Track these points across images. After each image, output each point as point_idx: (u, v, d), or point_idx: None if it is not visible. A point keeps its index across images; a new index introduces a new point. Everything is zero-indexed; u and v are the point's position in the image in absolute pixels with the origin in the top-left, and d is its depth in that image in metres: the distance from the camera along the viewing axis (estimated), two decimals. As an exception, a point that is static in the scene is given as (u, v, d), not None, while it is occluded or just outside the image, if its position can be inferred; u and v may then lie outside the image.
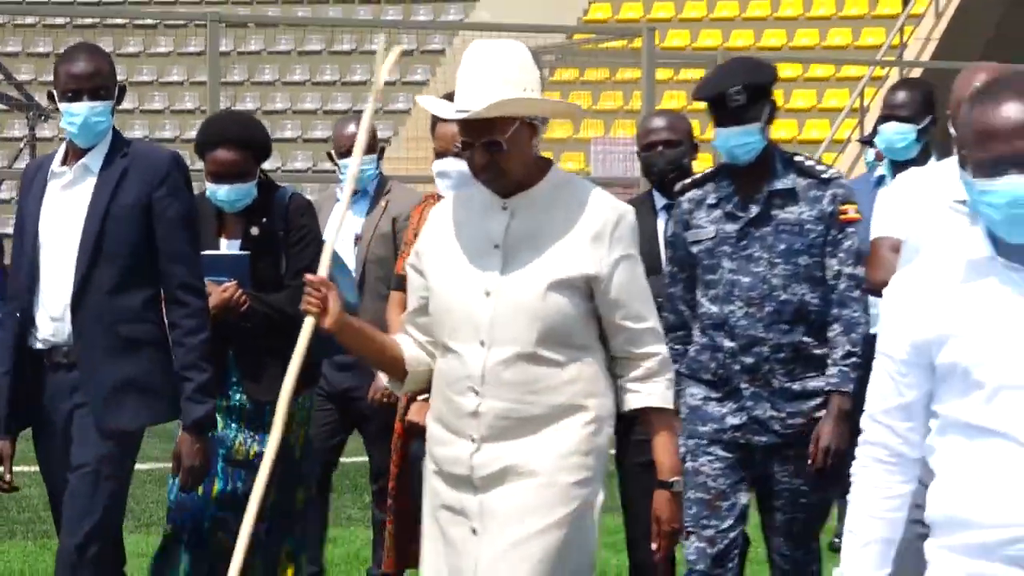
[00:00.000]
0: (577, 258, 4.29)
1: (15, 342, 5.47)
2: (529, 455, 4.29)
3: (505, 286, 4.30)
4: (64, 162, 5.48)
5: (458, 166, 5.57)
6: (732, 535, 5.51)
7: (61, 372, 5.44)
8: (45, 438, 5.54)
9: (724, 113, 5.41)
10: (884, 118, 6.53)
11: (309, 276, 4.34)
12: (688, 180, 5.76)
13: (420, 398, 5.35)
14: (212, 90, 13.90)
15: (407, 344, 4.48)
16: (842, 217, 5.40)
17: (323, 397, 7.09)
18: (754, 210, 5.41)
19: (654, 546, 4.40)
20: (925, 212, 4.50)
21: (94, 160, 5.43)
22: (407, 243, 5.85)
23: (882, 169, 6.72)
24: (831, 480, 5.36)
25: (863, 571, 3.52)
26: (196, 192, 5.88)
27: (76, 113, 5.34)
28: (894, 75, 26.07)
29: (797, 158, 5.56)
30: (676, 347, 5.47)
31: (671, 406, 4.41)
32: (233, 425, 6.06)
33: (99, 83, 5.39)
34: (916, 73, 25.61)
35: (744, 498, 5.54)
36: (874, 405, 3.51)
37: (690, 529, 5.41)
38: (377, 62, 4.54)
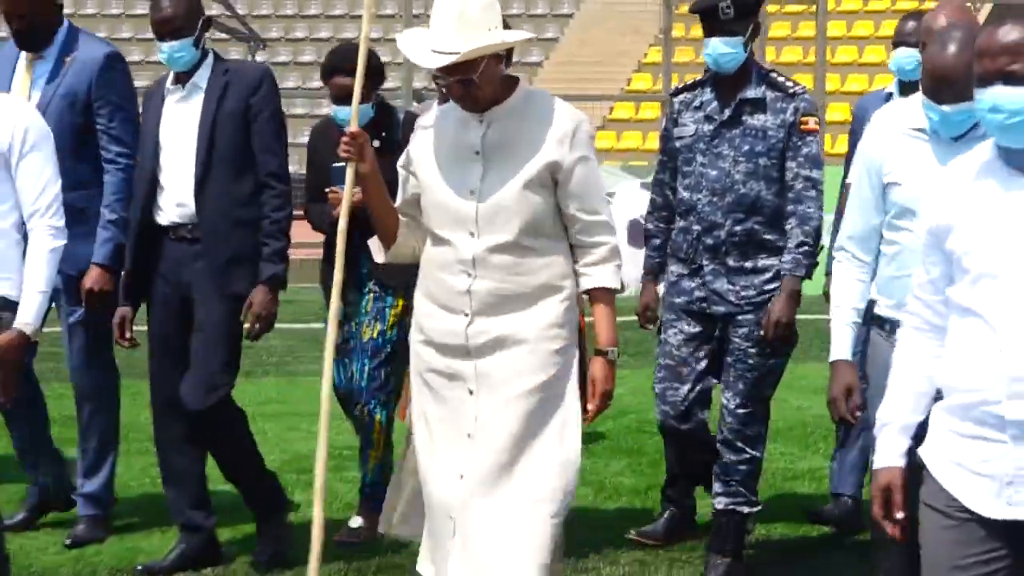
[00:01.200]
0: (544, 160, 4.60)
1: (138, 227, 5.99)
2: (516, 327, 4.63)
3: (487, 186, 4.61)
4: (176, 81, 6.01)
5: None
6: (692, 396, 5.95)
7: (185, 244, 5.95)
8: (160, 302, 6.04)
9: (715, 24, 5.76)
10: (895, 44, 6.67)
11: (347, 129, 4.70)
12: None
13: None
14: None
15: (403, 226, 4.82)
16: (803, 127, 5.79)
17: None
18: (727, 114, 5.84)
19: (589, 406, 4.69)
20: (886, 141, 4.77)
21: (201, 78, 5.97)
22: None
23: (891, 87, 7.10)
24: (778, 347, 5.83)
25: (900, 415, 3.82)
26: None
27: (163, 51, 5.94)
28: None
29: (772, 74, 5.97)
30: (660, 224, 6.19)
31: (617, 287, 4.72)
32: (379, 293, 6.55)
33: (176, 25, 5.88)
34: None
35: (703, 364, 5.95)
36: (914, 282, 3.85)
37: (657, 391, 6.02)
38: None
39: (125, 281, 6.09)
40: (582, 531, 6.24)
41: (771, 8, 25.04)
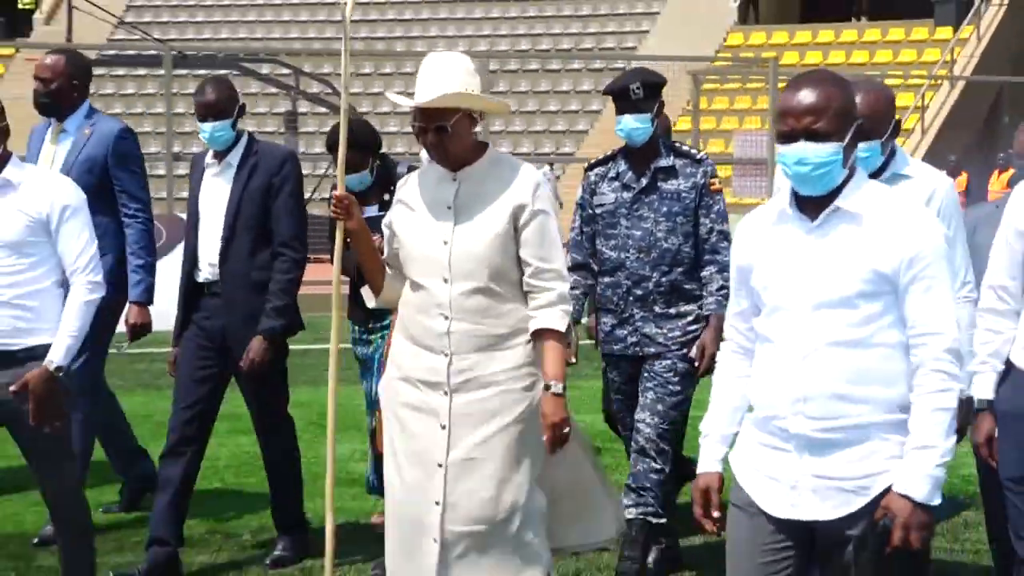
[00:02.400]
0: (508, 212, 4.74)
1: (186, 282, 6.37)
2: (490, 367, 4.75)
3: (458, 237, 4.76)
4: (214, 156, 6.35)
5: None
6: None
7: (212, 299, 6.31)
8: (193, 334, 6.35)
9: (626, 103, 6.01)
10: None
11: (334, 192, 4.99)
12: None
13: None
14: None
15: (389, 275, 4.99)
16: (712, 188, 6.06)
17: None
18: (643, 182, 6.05)
19: (545, 437, 4.76)
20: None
21: (234, 156, 6.30)
22: None
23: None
24: (695, 376, 6.07)
25: (719, 427, 3.99)
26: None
27: (204, 131, 6.27)
28: (946, 84, 28.34)
29: (676, 144, 6.24)
30: (580, 280, 6.27)
31: (562, 329, 4.79)
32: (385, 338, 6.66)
33: (218, 109, 6.23)
34: (961, 83, 27.89)
35: None
36: (727, 313, 4.08)
37: (614, 413, 6.47)
38: (345, 15, 5.13)
39: (176, 329, 6.47)
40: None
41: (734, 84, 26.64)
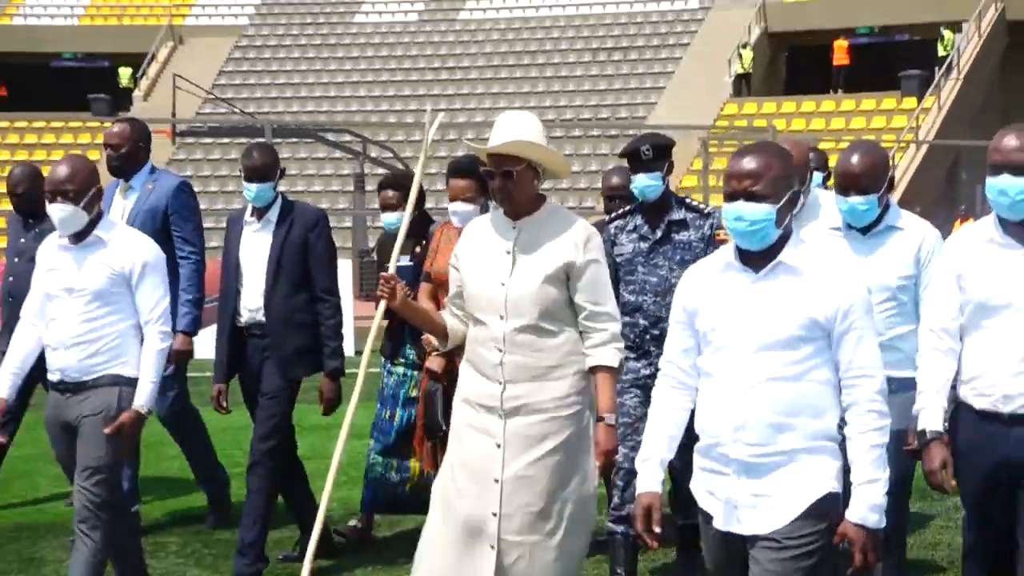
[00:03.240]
0: (561, 260, 4.67)
1: (228, 327, 6.29)
2: (539, 395, 4.67)
3: (514, 279, 4.68)
4: (252, 214, 6.29)
5: (465, 208, 6.20)
6: None
7: (256, 339, 6.23)
8: (245, 380, 6.34)
9: (638, 164, 5.93)
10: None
11: (382, 274, 4.85)
12: (614, 214, 6.27)
13: (434, 355, 5.84)
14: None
15: (449, 318, 4.92)
16: (717, 238, 5.95)
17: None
18: (658, 234, 5.93)
19: (595, 462, 4.71)
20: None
21: (273, 213, 6.24)
22: (432, 251, 6.30)
23: None
24: None
25: (657, 452, 3.94)
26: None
27: (250, 191, 6.20)
28: (912, 146, 28.52)
29: (687, 199, 6.11)
30: None
31: (615, 365, 4.71)
32: (408, 373, 6.72)
33: (263, 173, 6.17)
34: (925, 146, 28.20)
35: None
36: (667, 351, 4.01)
37: (619, 439, 5.71)
38: (426, 129, 5.02)
39: (219, 368, 6.33)
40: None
41: (733, 146, 27.21)
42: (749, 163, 3.71)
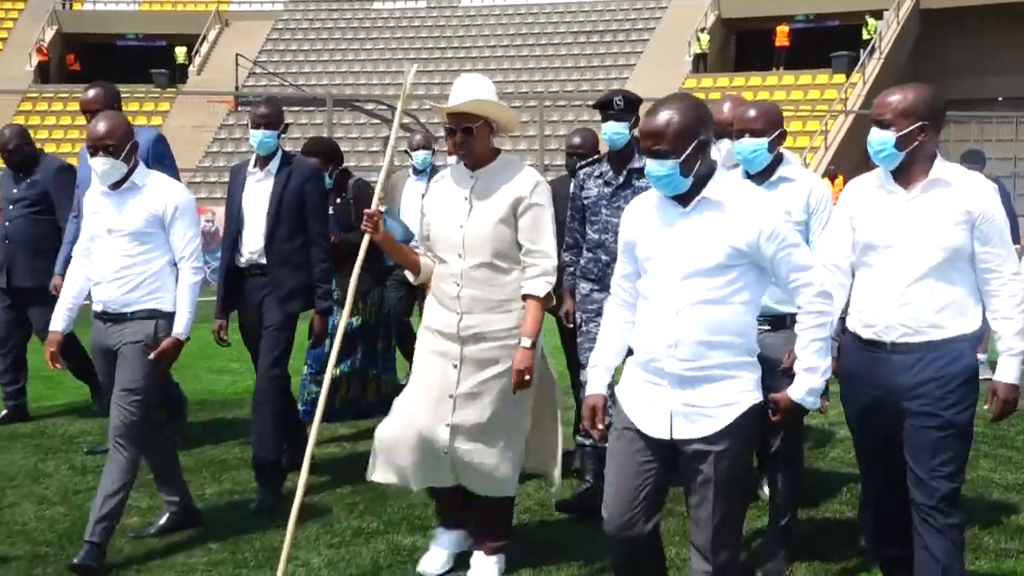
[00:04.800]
0: (510, 203, 4.53)
1: (227, 264, 5.94)
2: (491, 325, 4.56)
3: (471, 222, 4.56)
4: (255, 165, 5.96)
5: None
6: None
7: (256, 278, 5.88)
8: (245, 315, 5.99)
9: (609, 113, 5.59)
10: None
11: (366, 211, 4.65)
12: (584, 162, 5.96)
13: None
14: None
15: (422, 256, 4.79)
16: None
17: (397, 285, 7.52)
18: (621, 179, 5.59)
19: (512, 381, 4.54)
20: None
21: (273, 166, 5.91)
22: None
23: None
24: None
25: (604, 360, 3.86)
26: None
27: (256, 137, 5.87)
28: (841, 116, 28.06)
29: None
30: (573, 258, 5.87)
31: (541, 295, 4.57)
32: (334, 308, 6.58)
33: (270, 120, 5.84)
34: (852, 115, 27.84)
35: None
36: (615, 276, 3.86)
37: (583, 361, 5.51)
38: (404, 82, 4.74)
39: (219, 303, 6.00)
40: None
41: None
42: (652, 123, 3.56)
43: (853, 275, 4.09)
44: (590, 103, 32.85)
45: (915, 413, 3.90)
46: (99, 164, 4.96)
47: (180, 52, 36.38)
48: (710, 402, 3.58)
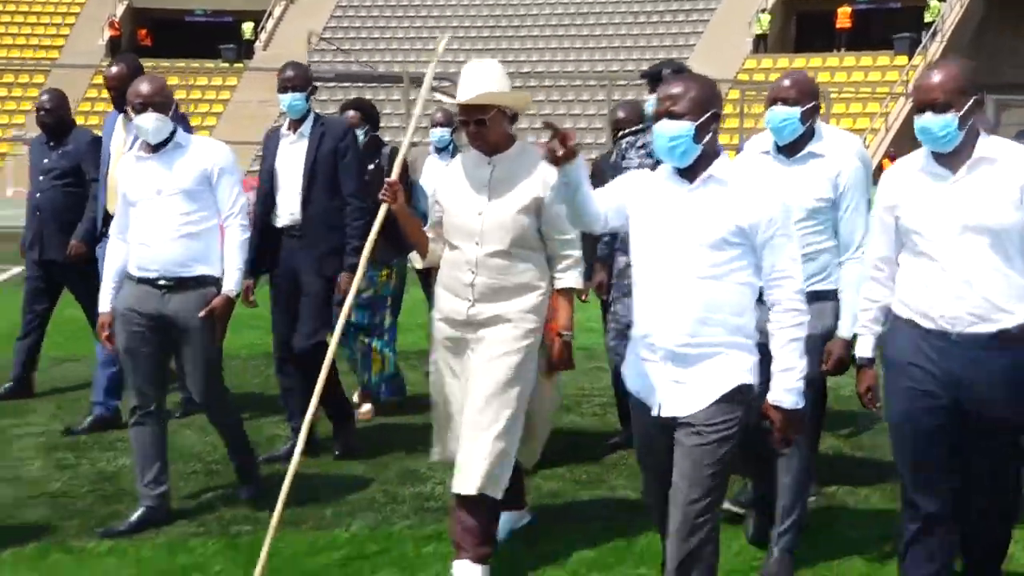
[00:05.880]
0: (532, 194, 4.37)
1: (259, 224, 5.83)
2: (504, 310, 4.42)
3: (490, 209, 4.40)
4: (288, 128, 5.88)
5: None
6: None
7: (293, 239, 5.80)
8: (278, 278, 5.88)
9: (658, 84, 5.22)
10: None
11: (387, 179, 4.50)
12: (627, 131, 5.99)
13: None
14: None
15: (432, 239, 4.65)
16: None
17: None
18: None
19: (549, 375, 4.47)
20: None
21: (305, 128, 5.84)
22: None
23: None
24: None
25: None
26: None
27: (284, 101, 5.83)
28: (902, 97, 27.79)
29: None
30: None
31: (579, 287, 4.51)
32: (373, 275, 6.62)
33: (296, 83, 5.79)
34: (911, 99, 27.58)
35: None
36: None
37: (611, 346, 5.59)
38: (435, 52, 4.61)
39: (248, 264, 5.57)
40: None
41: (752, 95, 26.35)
42: (670, 88, 3.51)
43: (900, 264, 3.85)
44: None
45: (980, 411, 3.65)
46: (149, 120, 4.88)
47: (247, 28, 36.87)
48: (697, 378, 3.50)
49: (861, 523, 5.12)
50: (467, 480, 4.34)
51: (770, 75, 30.07)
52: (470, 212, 4.42)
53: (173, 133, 4.97)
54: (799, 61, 31.98)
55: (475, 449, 4.34)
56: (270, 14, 37.24)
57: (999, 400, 3.61)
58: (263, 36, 36.66)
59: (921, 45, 30.24)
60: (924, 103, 3.60)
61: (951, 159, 3.66)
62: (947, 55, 29.91)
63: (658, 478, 3.65)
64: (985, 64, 30.39)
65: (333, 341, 4.63)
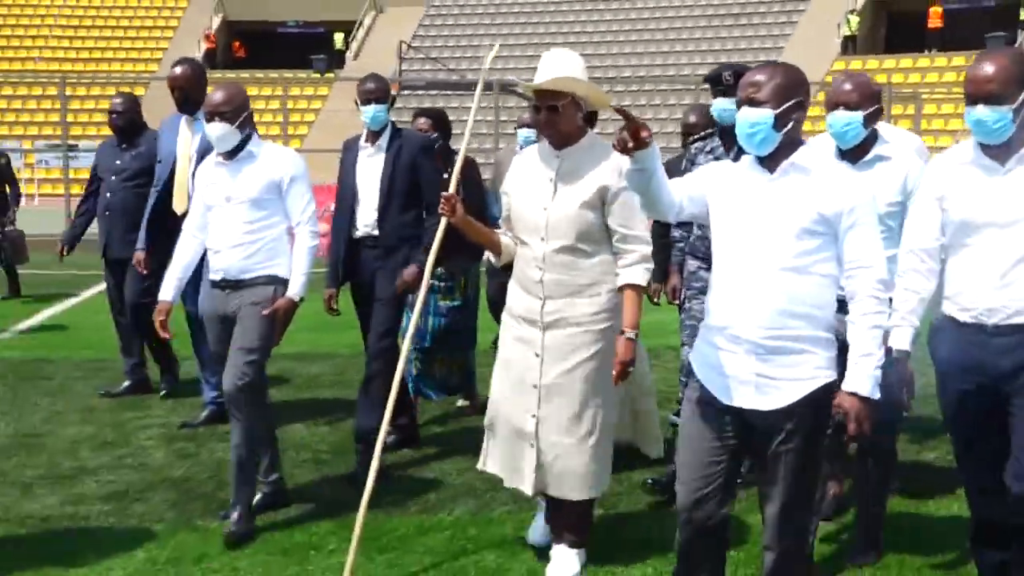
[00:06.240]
0: (597, 186, 4.29)
1: (342, 236, 5.88)
2: (574, 310, 4.33)
3: (555, 204, 4.33)
4: (367, 140, 5.89)
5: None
6: None
7: (370, 250, 5.82)
8: (358, 286, 5.94)
9: (719, 89, 5.39)
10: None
11: (443, 194, 4.47)
12: (696, 136, 5.86)
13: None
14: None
15: (503, 236, 4.57)
16: None
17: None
18: (731, 156, 5.27)
19: (614, 372, 4.26)
20: None
21: (383, 141, 5.85)
22: None
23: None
24: None
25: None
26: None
27: (367, 112, 5.82)
28: None
29: None
30: (683, 233, 5.73)
31: (643, 283, 4.35)
32: (436, 285, 6.69)
33: (379, 95, 5.81)
34: None
35: None
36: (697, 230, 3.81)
37: (685, 339, 5.46)
38: (485, 61, 4.53)
39: (331, 274, 5.93)
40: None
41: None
42: (754, 75, 3.45)
43: (945, 258, 3.86)
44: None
45: (1020, 399, 3.66)
46: (215, 130, 4.98)
47: (338, 38, 37.50)
48: (782, 374, 3.43)
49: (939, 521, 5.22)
50: (575, 488, 4.40)
51: (859, 77, 29.90)
52: (536, 206, 4.37)
53: (246, 141, 5.06)
54: (889, 62, 31.63)
55: (578, 458, 4.36)
56: (360, 24, 37.89)
57: None
58: (353, 46, 37.28)
59: (1016, 44, 29.63)
60: (977, 95, 3.59)
61: (1000, 151, 3.66)
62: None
63: (700, 464, 3.56)
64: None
65: (405, 343, 4.77)
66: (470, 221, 4.47)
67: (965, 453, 3.91)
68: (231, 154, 5.05)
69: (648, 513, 5.34)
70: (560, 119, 4.29)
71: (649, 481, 5.47)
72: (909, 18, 33.89)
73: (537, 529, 4.86)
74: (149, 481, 5.85)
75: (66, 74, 30.30)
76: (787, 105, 3.41)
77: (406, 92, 31.90)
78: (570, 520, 4.53)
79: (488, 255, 4.69)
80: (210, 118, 5.00)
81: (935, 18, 33.05)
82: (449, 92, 29.25)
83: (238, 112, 4.99)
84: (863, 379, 3.38)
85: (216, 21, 39.59)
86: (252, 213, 5.00)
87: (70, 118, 26.41)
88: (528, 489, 4.46)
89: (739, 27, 34.17)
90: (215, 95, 5.03)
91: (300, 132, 31.75)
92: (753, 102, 3.42)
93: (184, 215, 6.22)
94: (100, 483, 5.79)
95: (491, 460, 4.61)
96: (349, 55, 37.06)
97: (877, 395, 3.41)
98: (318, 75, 35.29)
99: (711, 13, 35.00)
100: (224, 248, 5.05)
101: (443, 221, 4.51)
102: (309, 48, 37.35)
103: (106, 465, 6.10)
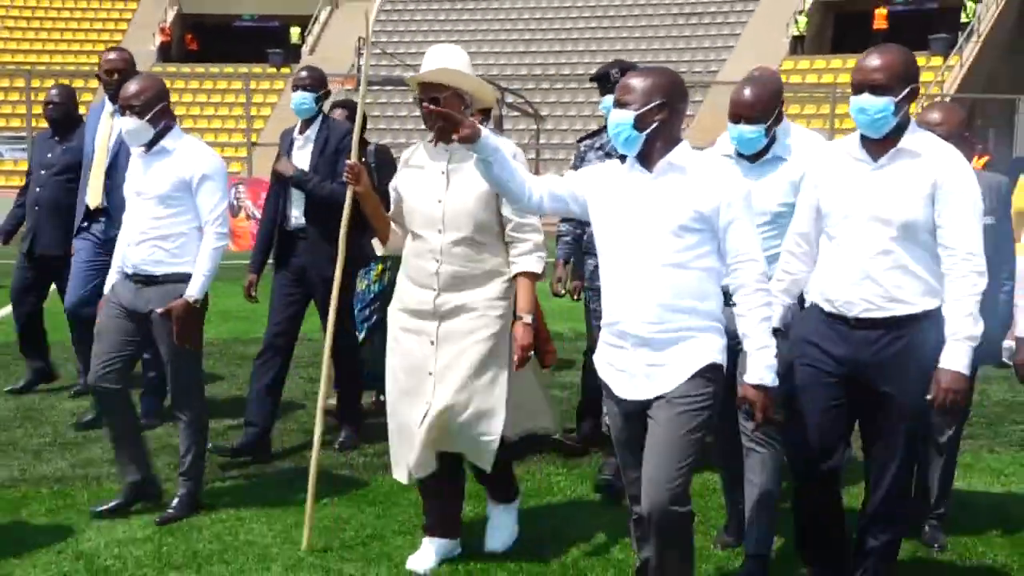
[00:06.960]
0: None
1: (268, 225, 6.01)
2: (470, 299, 4.33)
3: (449, 196, 4.32)
4: (299, 131, 5.98)
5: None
6: None
7: (302, 241, 5.91)
8: (283, 275, 5.97)
9: (607, 87, 5.35)
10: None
11: (348, 162, 4.50)
12: (585, 134, 5.85)
13: None
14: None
15: (393, 227, 4.56)
16: None
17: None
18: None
19: (514, 357, 4.30)
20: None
21: (312, 132, 5.95)
22: None
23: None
24: None
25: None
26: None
27: (295, 100, 5.93)
28: (937, 98, 28.34)
29: None
30: (571, 228, 5.83)
31: (538, 271, 4.36)
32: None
33: (307, 84, 5.88)
34: (948, 98, 28.02)
35: None
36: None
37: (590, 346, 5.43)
38: (366, 24, 4.69)
39: (253, 261, 5.97)
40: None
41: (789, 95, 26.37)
42: (628, 79, 3.53)
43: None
44: (688, 85, 34.16)
45: (880, 392, 3.74)
46: (126, 124, 4.88)
47: (294, 32, 37.62)
48: (670, 361, 3.49)
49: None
50: (482, 460, 4.43)
51: (807, 76, 30.58)
52: (430, 199, 4.34)
53: (161, 135, 4.92)
54: (836, 62, 32.31)
55: (478, 430, 4.35)
56: (316, 19, 38.04)
57: (892, 378, 3.69)
58: (309, 40, 37.40)
59: (957, 46, 30.45)
60: (863, 84, 3.58)
61: (876, 146, 3.68)
62: (983, 55, 30.49)
63: (637, 462, 3.62)
64: (1021, 65, 30.89)
65: (329, 327, 4.79)
66: (372, 194, 4.48)
67: (795, 439, 3.94)
68: (148, 147, 4.94)
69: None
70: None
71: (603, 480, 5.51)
72: (855, 19, 34.57)
73: (422, 555, 4.60)
74: (151, 448, 5.82)
75: (33, 66, 30.37)
76: (648, 107, 3.45)
77: (374, 88, 32.13)
78: (493, 485, 4.66)
79: (373, 243, 4.76)
80: (122, 111, 4.89)
81: (880, 19, 33.70)
82: (404, 88, 29.42)
83: (149, 105, 4.86)
84: (764, 371, 3.47)
85: (171, 15, 39.60)
86: (160, 209, 4.89)
87: (36, 110, 26.60)
88: (430, 465, 4.42)
89: (689, 27, 34.66)
90: (128, 87, 4.90)
91: (256, 126, 31.90)
92: (619, 103, 3.49)
93: (97, 210, 6.42)
94: (105, 449, 6.03)
95: (396, 468, 4.54)
96: (305, 49, 37.19)
97: (776, 383, 3.50)
98: (274, 69, 35.48)
99: (663, 12, 35.44)
100: (132, 243, 4.96)
101: (348, 191, 4.54)
102: (265, 42, 37.42)
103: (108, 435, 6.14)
